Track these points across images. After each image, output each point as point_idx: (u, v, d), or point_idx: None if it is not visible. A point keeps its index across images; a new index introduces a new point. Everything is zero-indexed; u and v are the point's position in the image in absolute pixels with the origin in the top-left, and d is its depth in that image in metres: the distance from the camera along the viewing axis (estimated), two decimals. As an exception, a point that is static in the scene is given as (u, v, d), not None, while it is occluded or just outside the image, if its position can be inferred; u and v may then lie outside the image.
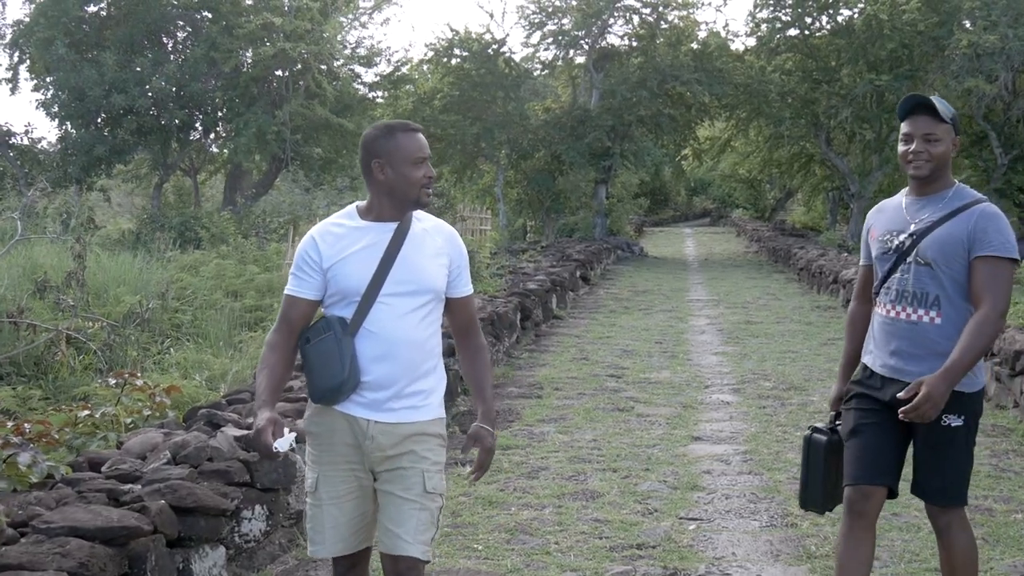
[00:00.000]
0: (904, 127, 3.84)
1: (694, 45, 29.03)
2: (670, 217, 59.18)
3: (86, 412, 5.80)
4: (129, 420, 6.09)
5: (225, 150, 23.20)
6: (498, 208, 29.14)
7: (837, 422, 4.09)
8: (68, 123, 22.36)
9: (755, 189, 45.50)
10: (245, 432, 5.58)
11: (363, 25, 27.75)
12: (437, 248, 3.43)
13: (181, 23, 23.69)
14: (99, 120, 22.24)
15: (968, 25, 24.40)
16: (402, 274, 3.33)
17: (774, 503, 6.17)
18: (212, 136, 24.81)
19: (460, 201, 28.60)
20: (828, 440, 4.04)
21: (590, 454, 7.28)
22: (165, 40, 23.76)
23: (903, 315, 3.83)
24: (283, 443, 3.25)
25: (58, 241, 13.02)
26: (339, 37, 24.60)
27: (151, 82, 21.26)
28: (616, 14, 29.38)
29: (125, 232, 20.50)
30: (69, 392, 7.86)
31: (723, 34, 30.36)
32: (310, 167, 24.32)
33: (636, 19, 29.53)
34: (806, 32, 27.97)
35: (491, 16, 52.41)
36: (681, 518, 5.89)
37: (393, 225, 3.38)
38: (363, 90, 26.77)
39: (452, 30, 28.89)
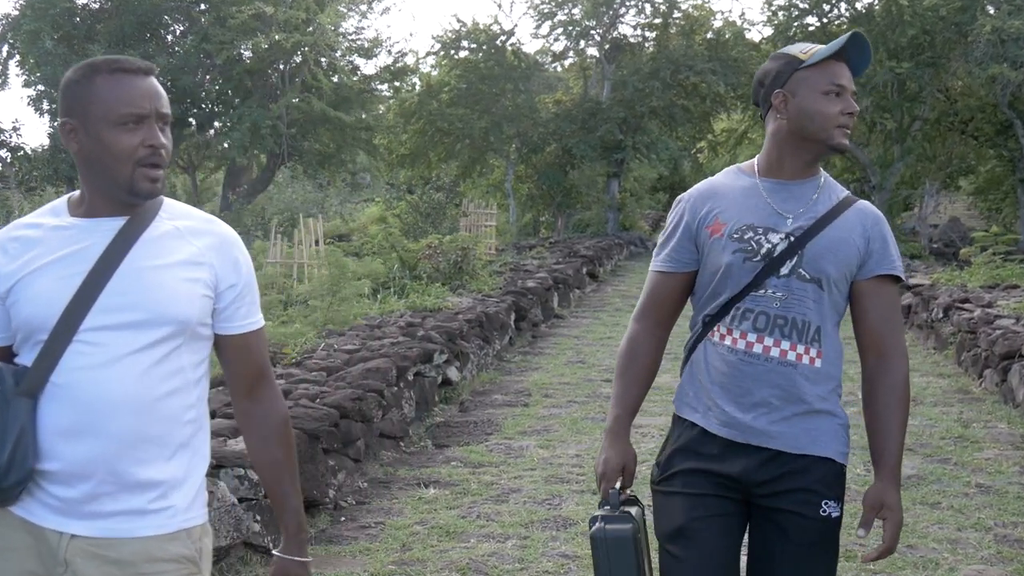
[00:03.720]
0: (835, 73, 2.57)
1: (708, 35, 28.21)
2: (689, 212, 58.18)
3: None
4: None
5: (221, 146, 22.39)
6: (508, 204, 28.42)
7: (626, 508, 2.67)
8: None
9: (774, 182, 44.47)
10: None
11: (363, 15, 26.97)
12: (190, 257, 2.15)
13: (174, 15, 22.98)
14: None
15: (991, 10, 23.45)
16: (118, 297, 2.08)
17: (771, 533, 5.41)
18: (207, 132, 24.03)
19: (466, 196, 27.87)
20: (634, 531, 2.62)
21: (569, 473, 6.55)
22: (158, 33, 23.04)
23: (774, 351, 2.55)
24: None
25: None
26: (336, 27, 23.82)
27: (142, 76, 20.54)
28: (628, 3, 28.58)
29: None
30: None
31: (739, 23, 29.54)
32: (308, 162, 23.62)
33: (648, 8, 28.70)
34: (824, 20, 27.07)
35: (499, 6, 51.35)
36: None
37: (116, 223, 2.13)
38: (362, 82, 25.95)
39: (459, 21, 28.22)
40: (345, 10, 23.79)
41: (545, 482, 6.34)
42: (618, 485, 2.67)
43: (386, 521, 5.65)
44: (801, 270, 2.55)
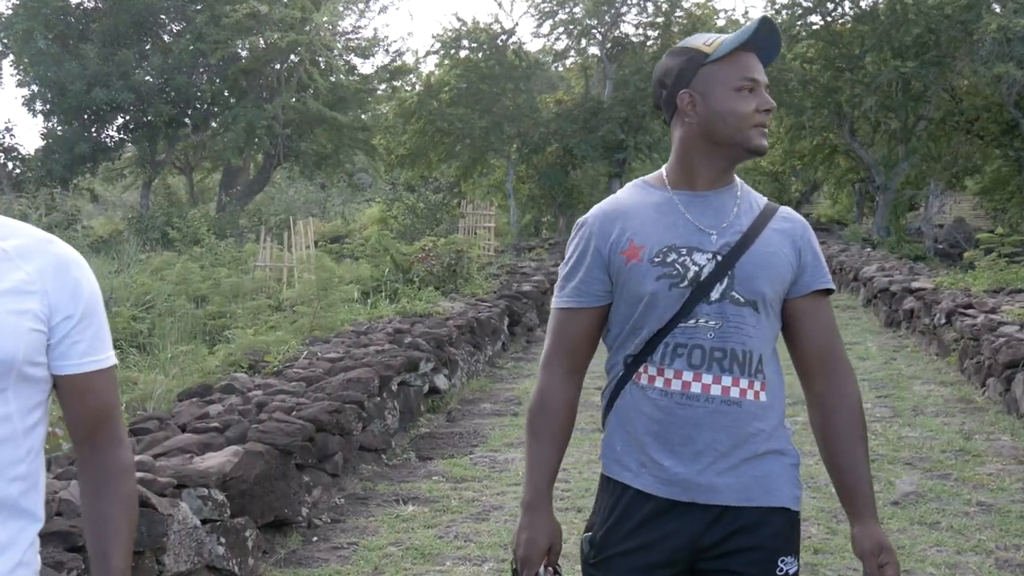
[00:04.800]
0: (746, 66, 2.23)
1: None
2: (694, 212, 58.03)
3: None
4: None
5: (216, 146, 22.11)
6: (508, 204, 28.17)
7: None
8: (53, 120, 21.50)
9: (779, 182, 44.22)
10: (139, 475, 4.67)
11: (361, 13, 26.68)
12: (18, 284, 1.78)
13: (170, 15, 22.71)
14: (85, 117, 21.33)
15: (997, 8, 23.16)
16: None
17: (760, 555, 5.16)
18: (203, 132, 23.73)
19: (465, 197, 27.62)
20: None
21: (555, 489, 6.29)
22: (153, 32, 22.76)
23: (715, 389, 2.20)
24: None
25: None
26: (334, 26, 23.54)
27: (135, 76, 20.30)
28: (630, 2, 28.34)
29: (113, 233, 19.67)
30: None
31: (742, 21, 29.23)
32: (305, 163, 23.37)
33: (651, 7, 28.45)
34: (828, 18, 26.78)
35: (500, 5, 51.13)
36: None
37: None
38: (360, 82, 25.66)
39: (460, 20, 28.00)
40: (342, 9, 23.51)
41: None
42: (542, 570, 2.31)
43: (360, 541, 5.42)
44: (734, 293, 2.21)
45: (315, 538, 5.52)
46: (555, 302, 2.35)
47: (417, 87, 27.99)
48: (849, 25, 26.75)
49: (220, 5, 20.85)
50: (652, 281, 2.20)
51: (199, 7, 21.56)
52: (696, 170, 2.28)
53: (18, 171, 21.44)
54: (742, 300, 2.21)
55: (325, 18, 22.38)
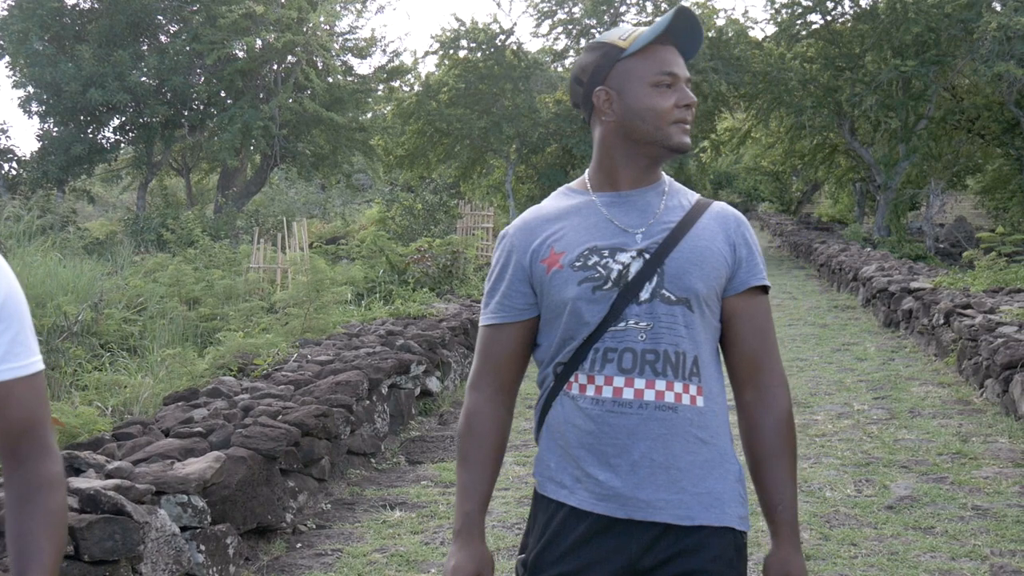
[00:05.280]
0: (663, 60, 2.12)
1: (711, 33, 27.82)
2: (695, 212, 57.87)
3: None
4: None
5: (212, 147, 22.01)
6: (508, 204, 28.08)
7: None
8: (50, 121, 21.41)
9: (780, 182, 44.15)
10: (116, 482, 4.59)
11: (359, 13, 26.54)
12: None
13: (166, 16, 22.60)
14: (81, 118, 21.23)
15: (997, 7, 23.06)
16: None
17: (752, 561, 5.06)
18: (200, 133, 23.59)
19: (463, 197, 27.53)
20: None
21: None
22: (149, 33, 22.64)
23: (649, 394, 2.07)
24: None
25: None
26: (330, 26, 23.43)
27: (130, 77, 20.20)
28: (628, 2, 28.25)
29: (109, 235, 19.59)
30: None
31: (742, 20, 29.13)
32: (302, 164, 23.26)
33: (650, 6, 28.35)
34: (828, 17, 26.67)
35: (498, 5, 50.86)
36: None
37: None
38: (357, 82, 25.56)
39: (458, 20, 27.93)
40: (339, 9, 23.41)
41: (517, 503, 6.00)
42: None
43: (344, 548, 5.32)
44: (664, 291, 2.09)
45: (299, 545, 5.43)
46: (482, 319, 2.25)
47: (416, 87, 27.91)
48: (849, 24, 26.66)
49: (216, 6, 20.75)
50: (574, 286, 2.09)
51: (195, 8, 21.47)
52: (617, 170, 2.17)
53: (14, 173, 21.34)
54: (673, 298, 2.09)
55: (322, 18, 22.27)
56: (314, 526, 5.73)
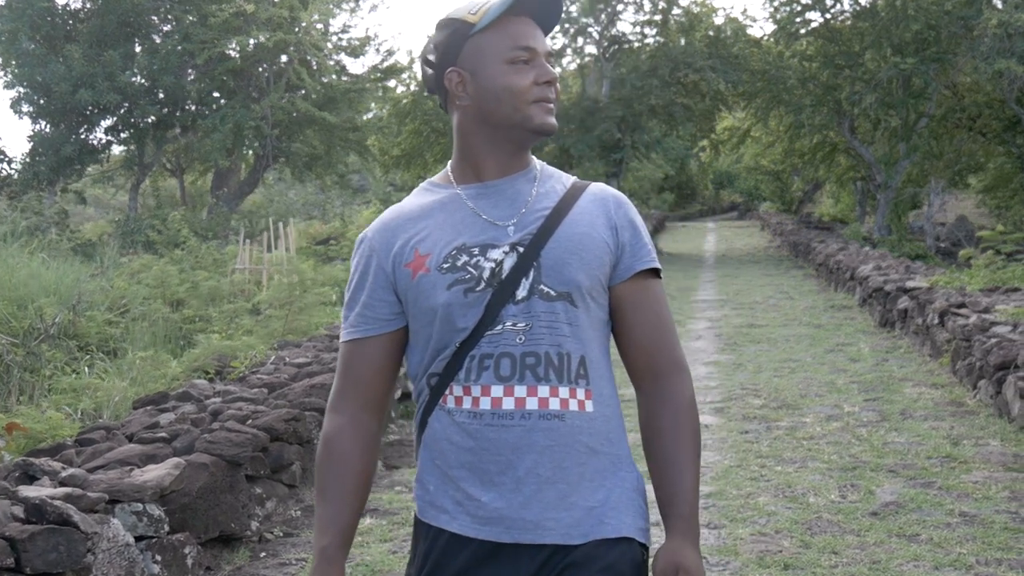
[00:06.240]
0: (519, 33, 1.92)
1: (709, 31, 27.65)
2: (697, 212, 57.84)
3: None
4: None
5: (203, 147, 21.85)
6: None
7: None
8: (42, 122, 21.27)
9: (781, 181, 43.97)
10: (66, 491, 4.43)
11: (352, 11, 26.34)
12: None
13: (159, 15, 22.44)
14: (71, 119, 21.08)
15: (998, 3, 22.88)
16: None
17: (727, 571, 4.89)
18: (194, 133, 23.39)
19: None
20: None
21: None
22: (141, 33, 22.47)
23: (531, 402, 1.87)
24: None
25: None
26: (322, 25, 23.28)
27: (121, 77, 20.04)
28: (626, 0, 28.07)
29: (102, 236, 19.45)
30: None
31: (741, 19, 28.98)
32: (295, 164, 23.12)
33: (648, 5, 28.17)
34: (827, 15, 26.49)
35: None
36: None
37: None
38: (351, 82, 25.38)
39: (455, 20, 27.76)
40: (332, 7, 23.25)
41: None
42: None
43: (309, 557, 5.16)
44: (543, 286, 1.89)
45: (263, 554, 5.27)
46: (343, 334, 2.02)
47: (412, 87, 27.76)
48: (848, 22, 26.48)
49: (207, 4, 20.60)
50: (443, 291, 1.89)
51: (186, 7, 21.32)
52: (480, 159, 1.97)
53: (4, 174, 21.18)
54: (553, 294, 1.89)
55: (316, 16, 22.12)
56: (281, 534, 5.57)
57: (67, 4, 21.81)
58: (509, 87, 1.90)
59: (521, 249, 1.90)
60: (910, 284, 12.39)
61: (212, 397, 6.77)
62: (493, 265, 1.89)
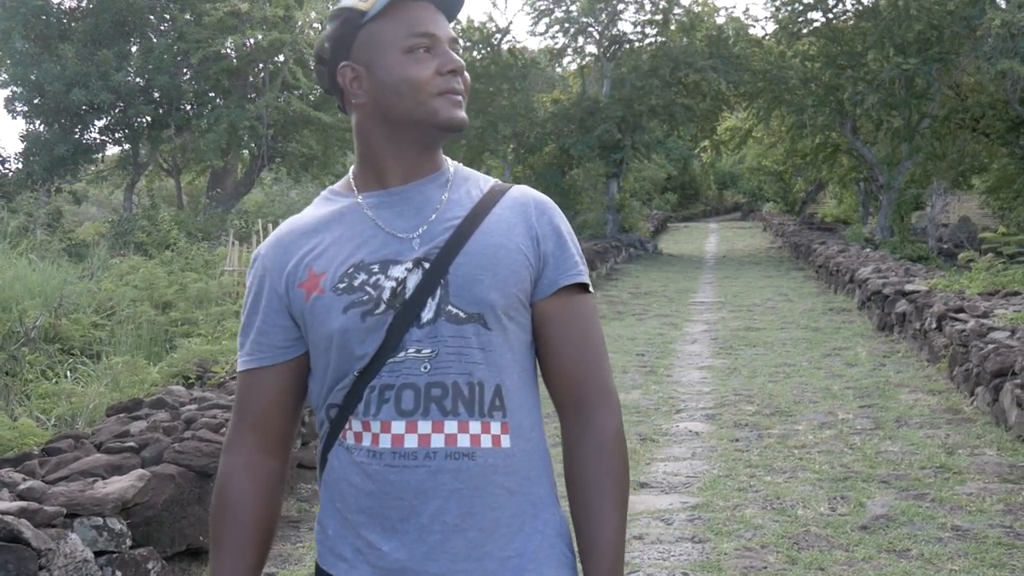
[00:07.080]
0: (416, 19, 1.70)
1: (711, 32, 27.48)
2: (700, 212, 57.61)
3: None
4: None
5: (198, 147, 21.70)
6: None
7: None
8: (36, 121, 21.13)
9: (784, 182, 43.79)
10: (20, 505, 4.27)
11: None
12: None
13: (156, 13, 22.28)
14: (64, 119, 20.93)
15: (1001, 3, 22.68)
16: None
17: (709, 589, 4.72)
18: (190, 133, 23.23)
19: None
20: None
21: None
22: (137, 32, 22.33)
23: (437, 440, 1.64)
24: None
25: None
26: (318, 25, 23.12)
27: (115, 76, 19.90)
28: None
29: (95, 237, 19.30)
30: None
31: (742, 18, 28.80)
32: (291, 164, 22.97)
33: (648, 4, 27.98)
34: (829, 15, 26.31)
35: (494, 4, 50.27)
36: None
37: None
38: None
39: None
40: (328, 6, 23.09)
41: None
42: None
43: (279, 572, 5.01)
44: (451, 307, 1.65)
45: (232, 568, 5.10)
46: (239, 363, 1.80)
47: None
48: (850, 22, 26.31)
49: (202, 4, 20.46)
50: (339, 315, 1.66)
51: (181, 6, 21.17)
52: (382, 163, 1.73)
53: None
54: (463, 315, 1.65)
55: (313, 14, 21.97)
56: (253, 547, 5.40)
57: (61, 3, 21.68)
58: (408, 79, 1.67)
59: (427, 265, 1.67)
60: (909, 287, 12.21)
61: (188, 404, 6.61)
62: (394, 284, 1.66)
